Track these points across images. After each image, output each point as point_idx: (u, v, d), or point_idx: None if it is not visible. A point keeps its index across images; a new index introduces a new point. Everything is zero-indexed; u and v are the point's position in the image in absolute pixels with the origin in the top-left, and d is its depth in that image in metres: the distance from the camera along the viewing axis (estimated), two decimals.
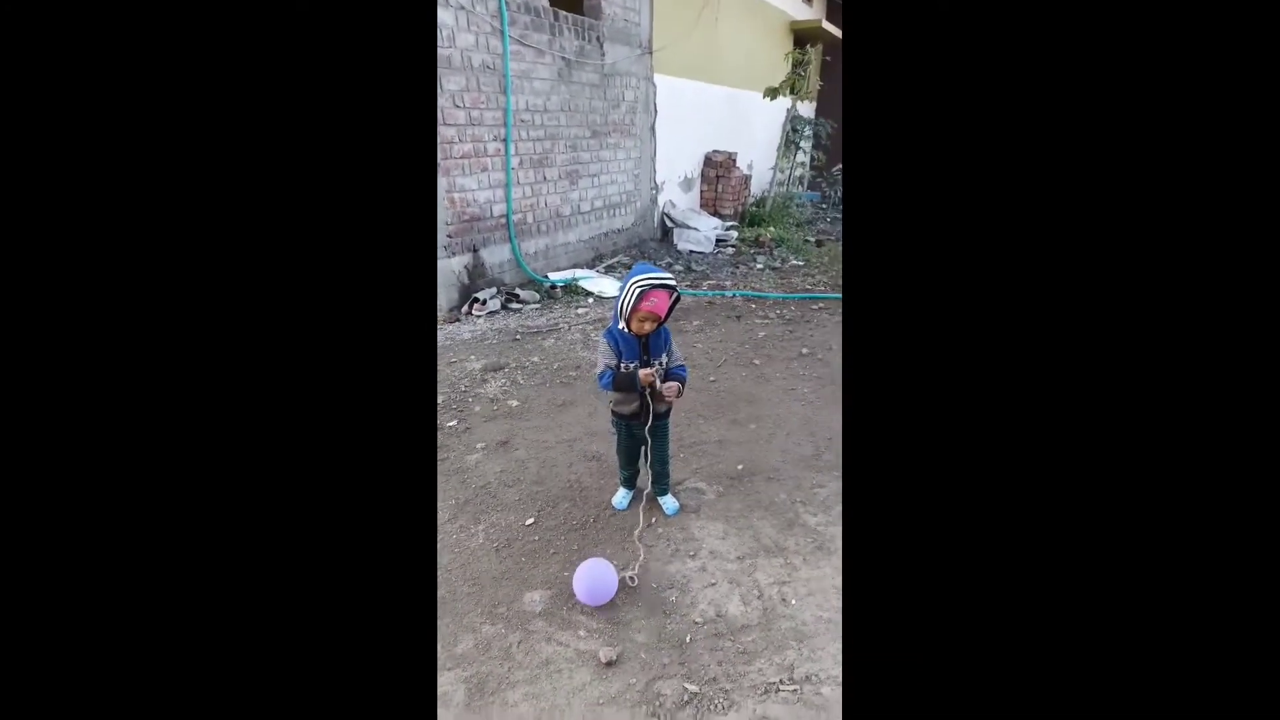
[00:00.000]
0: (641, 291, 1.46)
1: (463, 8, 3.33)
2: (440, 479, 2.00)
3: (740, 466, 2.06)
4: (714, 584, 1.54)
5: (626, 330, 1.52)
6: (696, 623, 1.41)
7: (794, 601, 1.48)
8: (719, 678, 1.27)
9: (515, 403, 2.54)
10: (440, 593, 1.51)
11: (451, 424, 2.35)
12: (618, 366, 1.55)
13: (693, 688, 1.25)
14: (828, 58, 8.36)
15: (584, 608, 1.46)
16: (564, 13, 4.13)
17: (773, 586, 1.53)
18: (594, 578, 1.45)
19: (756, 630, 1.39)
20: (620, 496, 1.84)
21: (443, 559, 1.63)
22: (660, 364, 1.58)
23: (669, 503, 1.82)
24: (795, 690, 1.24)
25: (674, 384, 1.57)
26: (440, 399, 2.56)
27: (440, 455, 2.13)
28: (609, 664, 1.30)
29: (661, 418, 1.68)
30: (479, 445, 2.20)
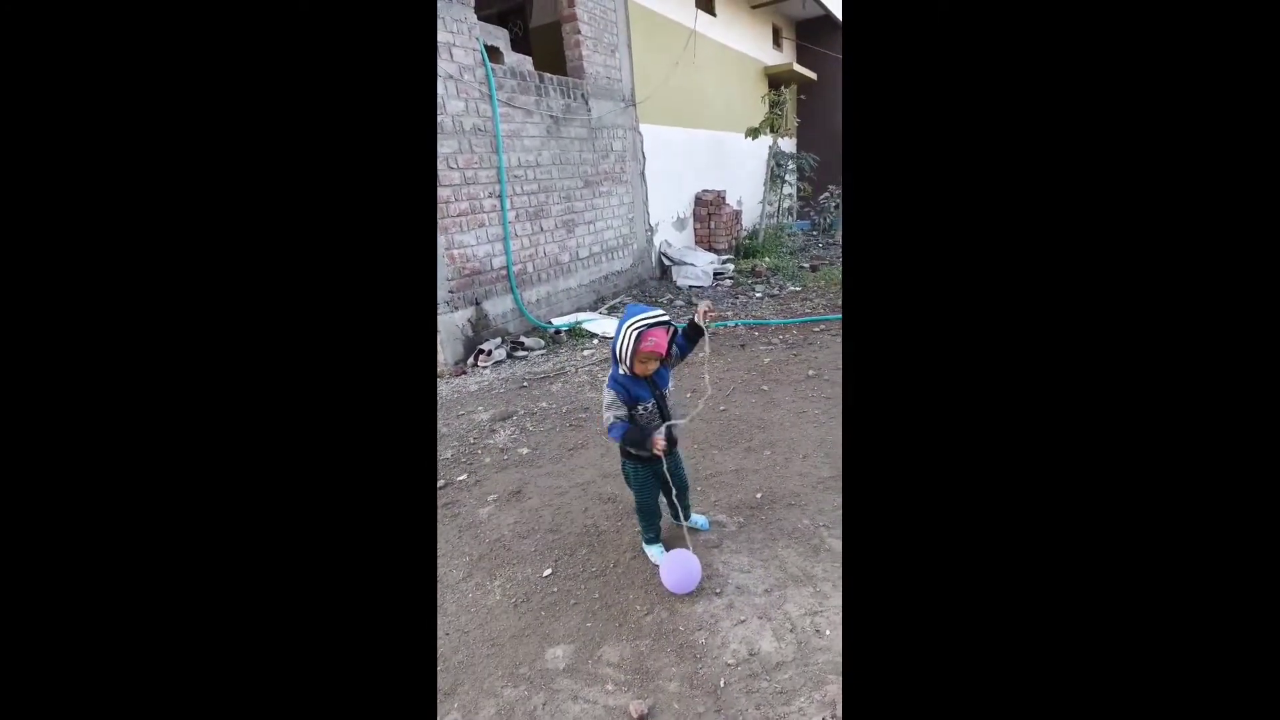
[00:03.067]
0: (639, 333, 1.44)
1: (452, 77, 3.54)
2: (453, 535, 1.95)
3: (759, 494, 2.00)
4: (743, 621, 1.46)
5: (630, 375, 1.50)
6: (729, 664, 1.33)
7: (829, 631, 1.39)
8: None
9: (525, 450, 2.51)
10: (458, 657, 1.44)
11: (462, 478, 2.32)
12: (630, 416, 1.52)
13: None
14: (802, 97, 8.73)
15: (609, 659, 1.38)
16: (549, 75, 4.38)
17: (805, 618, 1.45)
18: (681, 569, 1.45)
19: (793, 666, 1.31)
20: (657, 554, 1.70)
21: (459, 620, 1.57)
22: (668, 391, 1.58)
23: (698, 519, 1.78)
24: None
25: (706, 303, 1.55)
26: (449, 453, 2.54)
27: (452, 511, 2.09)
28: (641, 719, 1.21)
29: (676, 445, 1.64)
30: (490, 497, 2.16)
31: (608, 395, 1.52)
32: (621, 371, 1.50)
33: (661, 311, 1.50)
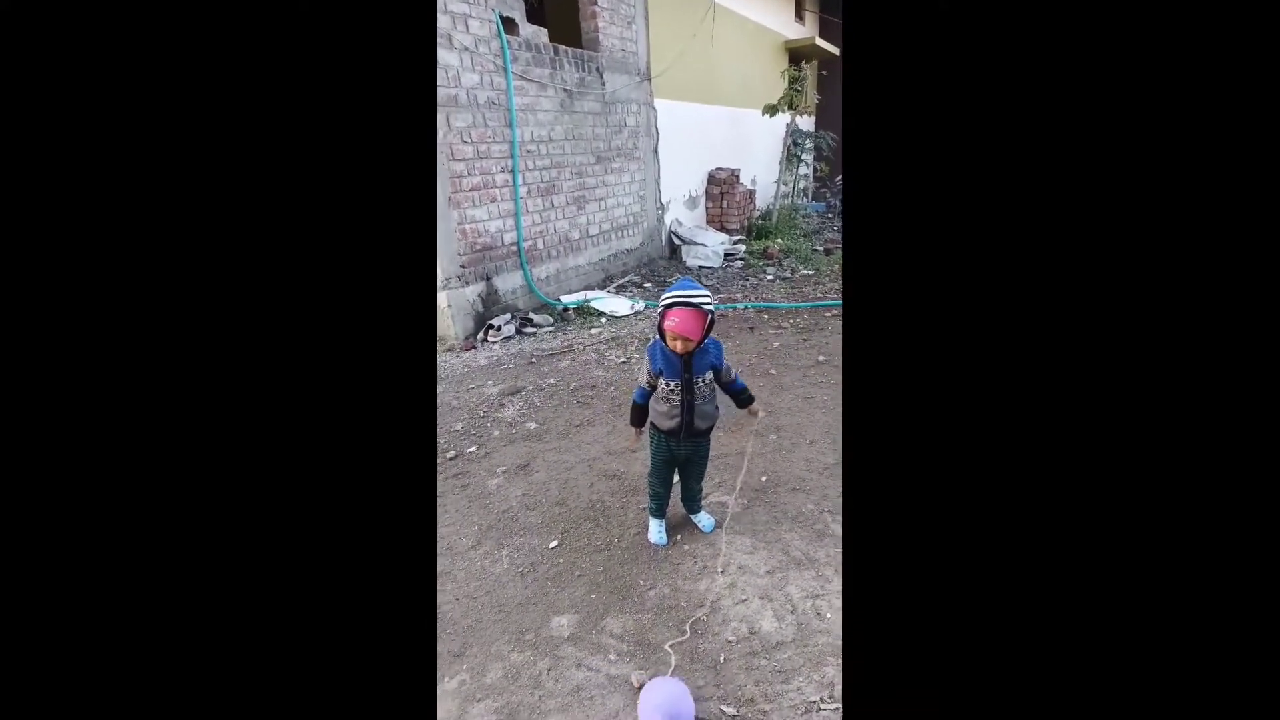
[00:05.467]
0: (664, 310, 1.43)
1: (466, 49, 3.47)
2: (463, 504, 1.99)
3: (764, 478, 2.02)
4: (745, 600, 1.49)
5: (664, 347, 1.49)
6: (730, 641, 1.37)
7: (829, 615, 1.43)
8: (756, 698, 1.22)
9: (534, 425, 2.54)
10: (467, 621, 1.49)
11: (471, 449, 2.36)
12: (652, 388, 1.56)
13: (730, 710, 1.20)
14: (824, 73, 8.48)
15: (612, 630, 1.42)
16: (564, 47, 4.28)
17: (806, 600, 1.48)
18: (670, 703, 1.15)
19: (792, 647, 1.34)
20: (656, 530, 1.73)
21: (468, 586, 1.61)
22: (704, 381, 1.53)
23: (704, 520, 1.77)
24: (837, 709, 1.19)
25: (755, 406, 1.64)
26: (459, 425, 2.58)
27: (461, 481, 2.14)
28: (641, 688, 1.26)
29: (702, 436, 1.62)
30: (499, 470, 2.20)
31: (646, 357, 1.57)
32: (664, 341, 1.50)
33: (705, 293, 1.46)
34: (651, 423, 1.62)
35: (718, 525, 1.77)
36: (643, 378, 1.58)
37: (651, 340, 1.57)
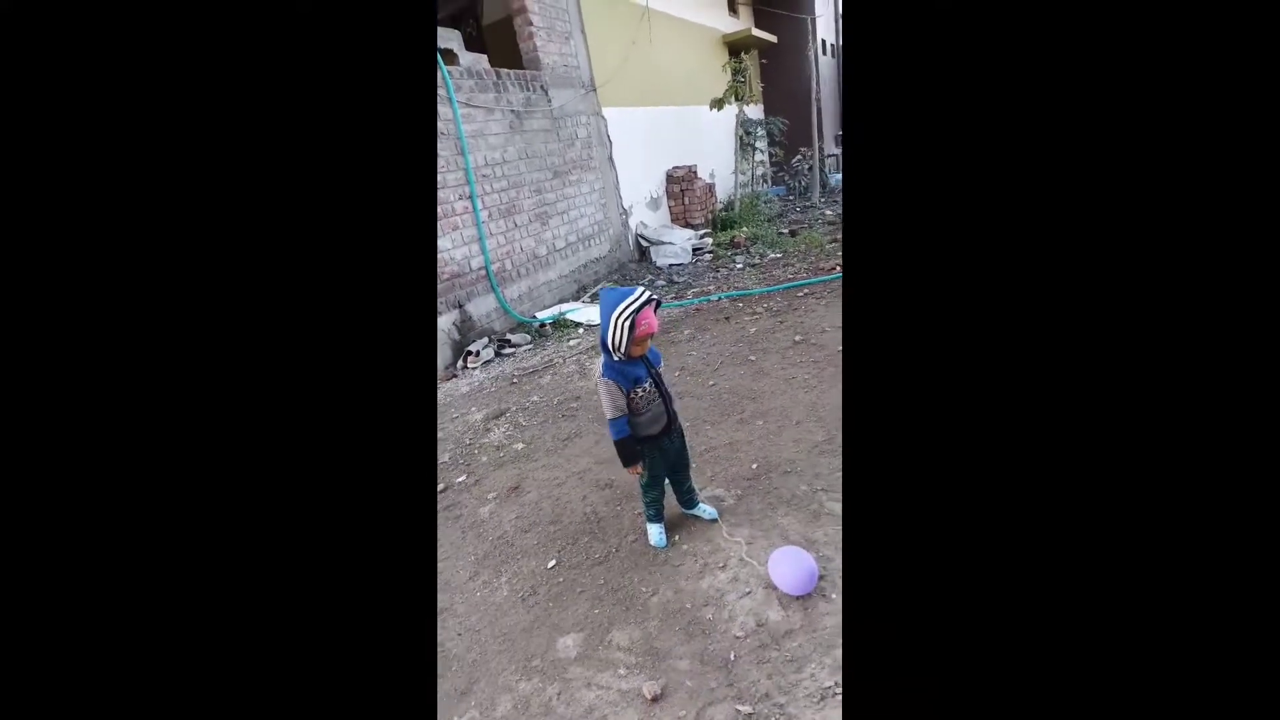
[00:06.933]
0: (631, 322, 1.41)
1: None
2: (456, 536, 1.95)
3: (755, 465, 2.01)
4: (749, 593, 1.47)
5: (625, 359, 1.47)
6: (738, 637, 1.35)
7: (834, 595, 1.41)
8: (771, 692, 1.20)
9: (521, 445, 2.50)
10: (471, 656, 1.45)
11: (460, 479, 2.31)
12: (628, 407, 1.50)
13: (745, 709, 1.17)
14: (764, 61, 8.59)
15: (619, 643, 1.39)
16: (506, 70, 4.27)
17: None
18: (794, 564, 1.44)
19: (801, 634, 1.32)
20: (657, 534, 1.70)
21: (469, 619, 1.57)
22: (661, 370, 1.58)
23: (706, 510, 1.76)
24: None
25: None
26: (446, 456, 2.53)
27: (453, 513, 2.09)
28: (655, 699, 1.23)
29: (678, 425, 1.64)
30: (490, 495, 2.16)
31: (606, 387, 1.47)
32: (617, 359, 1.47)
33: (640, 289, 1.46)
34: (639, 438, 1.57)
35: (716, 520, 1.75)
36: (613, 409, 1.48)
37: (601, 371, 1.49)
